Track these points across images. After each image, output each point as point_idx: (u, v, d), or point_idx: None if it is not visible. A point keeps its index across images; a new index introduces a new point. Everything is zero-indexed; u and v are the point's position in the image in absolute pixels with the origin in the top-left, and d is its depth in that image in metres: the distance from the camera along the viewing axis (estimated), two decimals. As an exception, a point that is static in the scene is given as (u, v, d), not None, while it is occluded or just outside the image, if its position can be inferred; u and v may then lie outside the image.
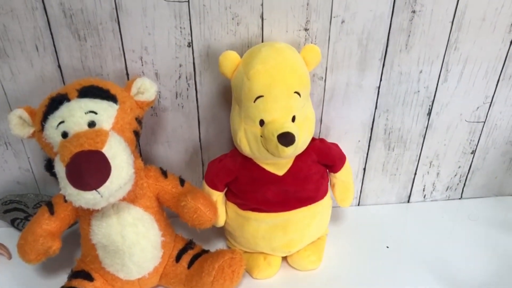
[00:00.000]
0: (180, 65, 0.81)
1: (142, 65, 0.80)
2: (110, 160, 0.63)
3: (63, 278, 0.78)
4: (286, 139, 0.68)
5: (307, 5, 0.77)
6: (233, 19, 0.77)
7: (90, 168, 0.62)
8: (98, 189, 0.62)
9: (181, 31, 0.78)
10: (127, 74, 0.81)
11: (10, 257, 0.88)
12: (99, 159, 0.63)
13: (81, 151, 0.63)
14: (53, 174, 0.67)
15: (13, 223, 0.92)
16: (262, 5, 0.76)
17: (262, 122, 0.70)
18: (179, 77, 0.82)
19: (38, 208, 0.77)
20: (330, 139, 0.86)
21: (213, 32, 0.78)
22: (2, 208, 0.90)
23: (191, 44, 0.79)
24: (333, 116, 0.89)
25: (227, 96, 0.84)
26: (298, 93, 0.71)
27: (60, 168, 0.64)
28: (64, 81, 0.81)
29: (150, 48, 0.79)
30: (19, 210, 0.90)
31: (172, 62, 0.81)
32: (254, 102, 0.70)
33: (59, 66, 0.80)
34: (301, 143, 0.72)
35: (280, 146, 0.68)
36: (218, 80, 0.83)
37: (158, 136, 0.89)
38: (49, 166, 0.71)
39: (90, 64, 0.80)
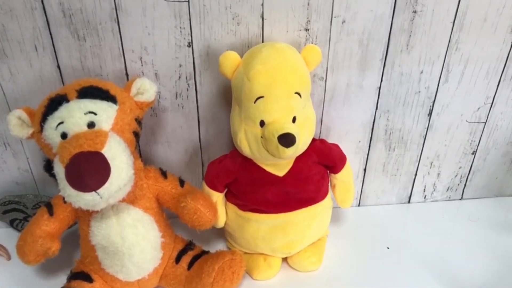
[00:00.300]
0: (180, 65, 0.81)
1: (142, 65, 0.80)
2: (109, 161, 0.63)
3: (62, 279, 0.77)
4: (287, 140, 0.68)
5: (308, 5, 0.76)
6: (233, 19, 0.77)
7: (89, 169, 0.61)
8: (98, 190, 0.62)
9: (181, 31, 0.77)
10: (127, 74, 0.81)
11: (9, 258, 0.87)
12: (98, 160, 0.62)
13: (81, 152, 0.62)
14: (52, 175, 0.67)
15: (12, 223, 0.92)
16: (262, 5, 0.76)
17: (262, 123, 0.70)
18: (179, 77, 0.82)
19: (37, 209, 0.77)
20: (330, 140, 0.86)
21: (213, 32, 0.78)
22: (1, 208, 0.90)
23: (191, 44, 0.79)
24: (334, 116, 0.89)
25: (227, 96, 0.84)
26: (299, 94, 0.70)
27: (59, 169, 0.63)
28: (63, 81, 0.81)
29: (150, 48, 0.78)
30: (18, 210, 0.90)
31: (172, 62, 0.80)
32: (255, 102, 0.70)
33: (58, 66, 0.79)
34: (301, 144, 0.72)
35: (280, 147, 0.68)
36: (218, 80, 0.83)
37: (157, 136, 0.88)
38: (48, 167, 0.70)
39: (89, 64, 0.79)
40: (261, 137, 0.71)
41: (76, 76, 0.79)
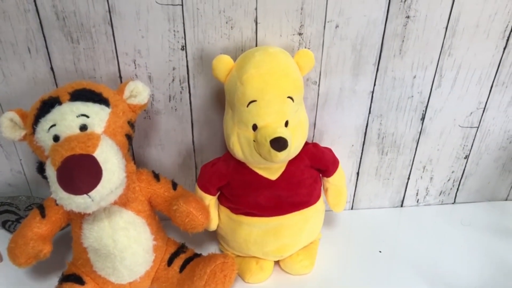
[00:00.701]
0: (174, 68, 0.81)
1: (135, 68, 0.80)
2: (101, 164, 0.63)
3: (54, 281, 0.77)
4: (279, 144, 0.68)
5: (301, 9, 0.76)
6: (227, 22, 0.77)
7: (81, 172, 0.61)
8: (89, 193, 0.62)
9: (174, 34, 0.77)
10: (120, 77, 0.81)
11: (1, 259, 0.87)
12: (90, 163, 0.62)
13: (72, 155, 0.62)
14: (45, 177, 0.67)
15: (4, 225, 0.91)
16: (256, 9, 0.76)
17: (255, 127, 0.70)
18: (173, 80, 0.82)
19: (30, 211, 0.77)
20: (323, 144, 0.86)
21: (206, 35, 0.78)
22: (-6, 210, 0.90)
23: (184, 47, 0.79)
24: (327, 120, 0.89)
25: (221, 99, 0.84)
26: (291, 98, 0.70)
27: (51, 172, 0.63)
28: (56, 84, 0.81)
29: (144, 51, 0.78)
30: (11, 212, 0.90)
31: (166, 65, 0.80)
32: (247, 106, 0.70)
33: (52, 69, 0.79)
34: (294, 148, 0.72)
35: (272, 151, 0.68)
36: (212, 84, 0.83)
37: (151, 139, 0.88)
38: (41, 169, 0.70)
39: (83, 67, 0.79)
40: (254, 141, 0.71)
41: (70, 79, 0.79)
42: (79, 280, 0.75)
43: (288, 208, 0.79)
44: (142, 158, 0.91)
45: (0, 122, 0.70)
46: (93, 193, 0.62)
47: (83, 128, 0.66)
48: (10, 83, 0.80)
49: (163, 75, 0.81)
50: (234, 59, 0.74)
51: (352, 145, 0.93)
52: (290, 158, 0.75)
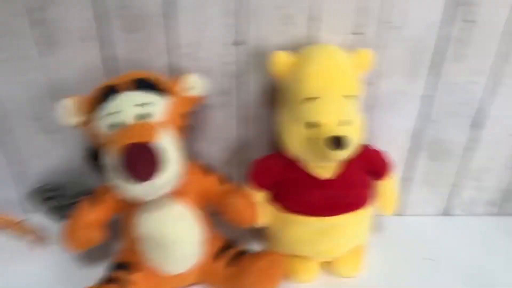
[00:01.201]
0: (228, 63, 0.81)
1: (191, 61, 0.80)
2: (162, 154, 0.63)
3: (100, 268, 0.77)
4: (339, 142, 0.67)
5: (361, 9, 0.76)
6: (285, 19, 0.77)
7: (142, 160, 0.62)
8: (149, 182, 0.62)
9: (231, 29, 0.77)
10: (176, 69, 0.81)
11: (41, 242, 0.88)
12: (152, 151, 0.63)
13: (135, 143, 0.63)
14: (95, 165, 0.68)
15: (51, 211, 0.92)
16: (315, 6, 0.76)
17: (313, 124, 0.70)
18: (226, 74, 0.82)
19: (78, 198, 0.78)
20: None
21: (264, 31, 0.78)
22: (42, 195, 0.91)
23: (241, 42, 0.79)
24: (377, 123, 0.87)
25: (273, 96, 0.83)
26: (351, 97, 0.70)
27: (111, 159, 0.64)
28: (112, 73, 0.81)
29: (199, 44, 0.79)
30: (58, 198, 0.90)
31: (220, 60, 0.81)
32: (306, 103, 0.69)
33: (108, 58, 0.80)
34: (351, 148, 0.71)
35: (331, 149, 0.67)
36: (265, 80, 0.83)
37: (201, 133, 0.88)
38: (91, 156, 0.71)
39: (138, 57, 0.80)
40: (311, 138, 0.70)
41: (126, 68, 0.80)
42: (127, 268, 0.74)
43: (340, 209, 0.77)
44: (191, 152, 0.90)
45: (59, 108, 0.71)
46: (153, 181, 0.62)
47: (144, 117, 0.67)
48: (65, 70, 0.81)
49: (217, 69, 0.81)
50: (292, 56, 0.73)
51: (402, 150, 0.91)
52: (346, 158, 0.74)
